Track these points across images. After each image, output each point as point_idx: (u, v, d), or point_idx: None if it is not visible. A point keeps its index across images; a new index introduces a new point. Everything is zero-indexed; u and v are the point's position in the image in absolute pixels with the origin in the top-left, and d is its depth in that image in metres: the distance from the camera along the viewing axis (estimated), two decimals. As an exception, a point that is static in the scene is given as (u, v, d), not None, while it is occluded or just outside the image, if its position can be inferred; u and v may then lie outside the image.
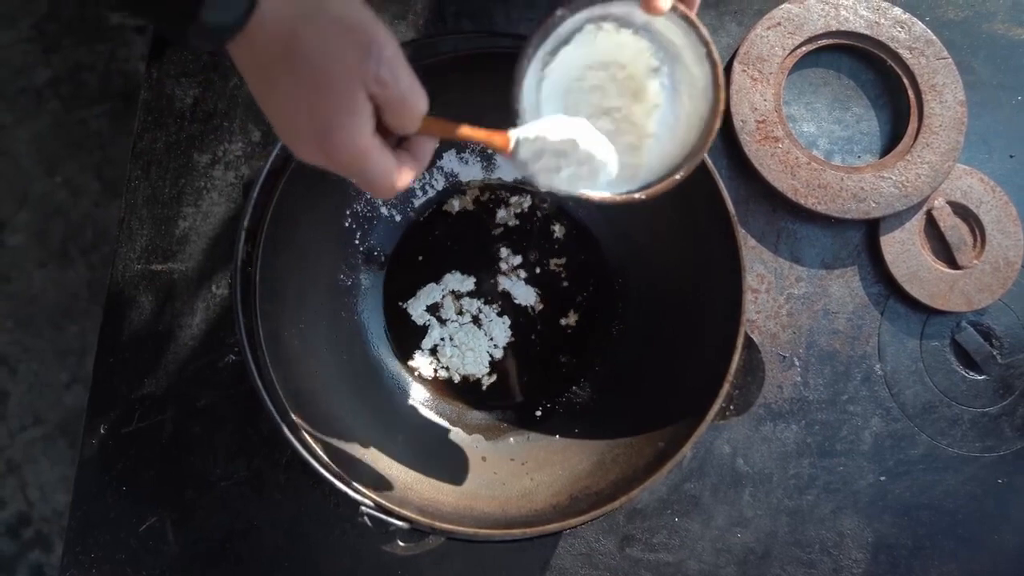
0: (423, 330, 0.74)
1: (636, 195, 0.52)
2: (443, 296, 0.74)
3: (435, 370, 0.74)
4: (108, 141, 1.38)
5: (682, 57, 0.51)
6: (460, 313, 0.75)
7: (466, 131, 0.49)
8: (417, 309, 0.74)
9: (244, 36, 0.39)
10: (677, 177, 0.52)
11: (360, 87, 0.42)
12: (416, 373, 0.74)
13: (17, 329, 1.34)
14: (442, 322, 0.74)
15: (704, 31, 0.49)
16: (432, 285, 0.74)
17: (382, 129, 0.44)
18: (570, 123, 0.49)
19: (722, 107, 0.50)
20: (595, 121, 0.52)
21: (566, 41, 0.51)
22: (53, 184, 1.37)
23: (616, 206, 0.52)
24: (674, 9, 0.48)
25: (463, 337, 0.74)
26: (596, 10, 0.49)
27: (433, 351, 0.74)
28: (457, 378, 0.74)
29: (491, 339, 0.74)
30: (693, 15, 0.49)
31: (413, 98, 0.44)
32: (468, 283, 0.75)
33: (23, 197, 1.37)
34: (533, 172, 0.50)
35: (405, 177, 0.46)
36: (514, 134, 0.49)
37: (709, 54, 0.50)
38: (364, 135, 0.43)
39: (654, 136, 0.53)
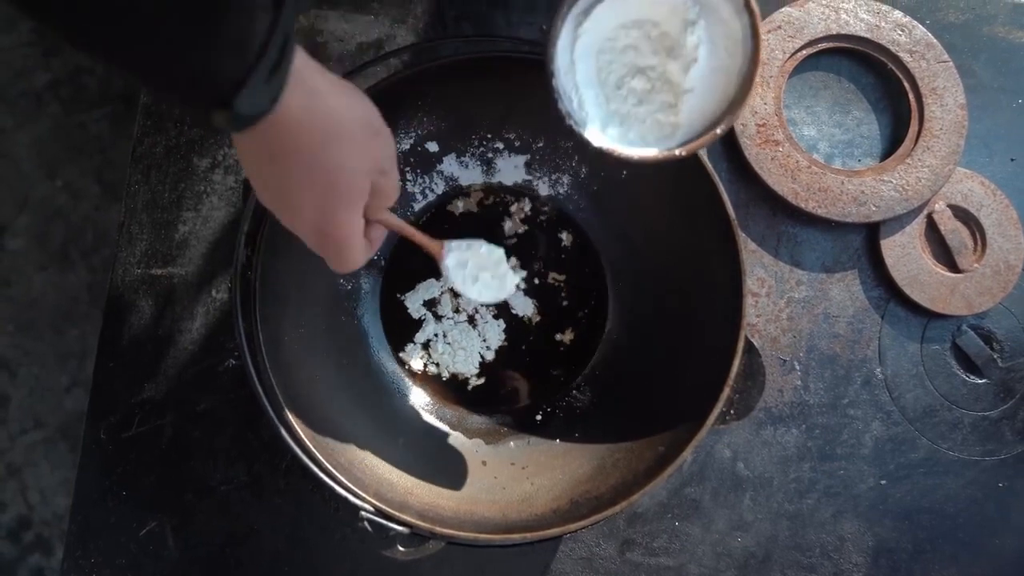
0: (418, 324, 0.74)
1: (676, 151, 0.53)
2: (441, 293, 0.75)
3: (424, 364, 0.74)
4: (108, 145, 1.38)
5: (718, 10, 0.51)
6: (457, 311, 0.75)
7: (410, 232, 0.58)
8: (415, 303, 0.74)
9: (261, 125, 0.40)
10: (717, 132, 0.52)
11: (369, 179, 0.46)
12: (406, 366, 0.74)
13: (17, 333, 1.34)
14: (438, 318, 0.74)
15: None
16: (431, 280, 0.74)
17: None
18: (493, 247, 0.61)
19: (761, 57, 0.51)
20: (630, 80, 0.53)
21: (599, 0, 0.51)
22: (53, 188, 1.37)
23: (654, 164, 0.53)
24: None
25: (456, 335, 0.74)
26: None
27: (425, 346, 0.74)
28: (446, 375, 0.74)
29: (484, 340, 0.74)
30: None
31: (398, 188, 0.51)
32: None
33: (23, 201, 1.37)
34: (453, 276, 0.60)
35: (364, 259, 0.52)
36: (448, 244, 0.60)
37: (747, 4, 0.50)
38: (358, 221, 0.48)
39: (692, 92, 0.53)
